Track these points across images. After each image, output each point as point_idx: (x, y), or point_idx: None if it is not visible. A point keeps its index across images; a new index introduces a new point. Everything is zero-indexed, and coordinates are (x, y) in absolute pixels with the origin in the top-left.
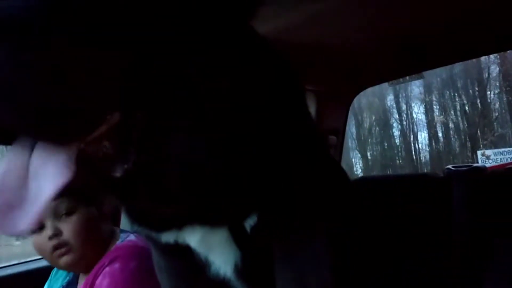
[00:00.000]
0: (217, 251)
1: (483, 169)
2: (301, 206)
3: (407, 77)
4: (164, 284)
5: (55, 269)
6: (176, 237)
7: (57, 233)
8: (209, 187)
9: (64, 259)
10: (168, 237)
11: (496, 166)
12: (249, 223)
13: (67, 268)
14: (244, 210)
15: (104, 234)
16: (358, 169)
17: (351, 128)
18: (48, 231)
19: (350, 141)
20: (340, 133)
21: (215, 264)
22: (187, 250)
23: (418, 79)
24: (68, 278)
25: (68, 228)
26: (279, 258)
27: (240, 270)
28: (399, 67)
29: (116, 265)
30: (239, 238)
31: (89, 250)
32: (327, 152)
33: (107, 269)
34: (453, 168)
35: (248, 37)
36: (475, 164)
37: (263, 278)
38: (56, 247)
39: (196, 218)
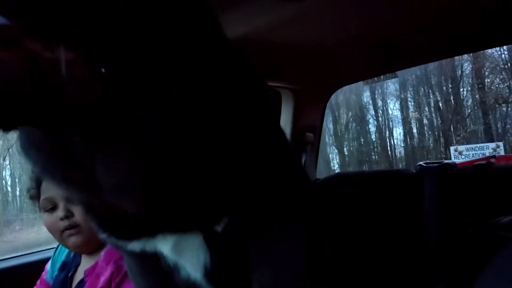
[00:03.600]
0: (187, 256)
1: (452, 165)
2: (273, 206)
3: (382, 77)
4: (137, 284)
5: (60, 246)
6: (145, 245)
7: (68, 215)
8: (179, 195)
9: (73, 240)
10: (134, 245)
11: (466, 162)
12: (220, 226)
13: (74, 248)
14: (215, 214)
15: None
16: (335, 164)
17: (328, 124)
18: (60, 212)
19: (327, 137)
20: (317, 130)
21: (185, 268)
22: (154, 255)
23: (392, 78)
24: (71, 255)
25: (79, 211)
26: (255, 256)
27: (210, 274)
28: (375, 66)
29: None
30: (211, 242)
31: (96, 233)
32: (290, 157)
33: None
34: (424, 165)
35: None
36: (445, 161)
37: (233, 281)
38: (66, 228)
39: (168, 226)
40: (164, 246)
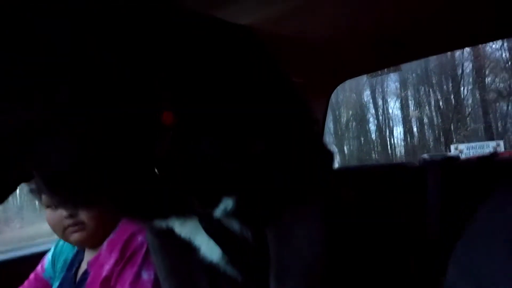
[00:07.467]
0: (201, 237)
1: (456, 158)
2: (292, 186)
3: (385, 70)
4: (158, 263)
5: (59, 241)
6: (164, 223)
7: (72, 214)
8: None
9: (76, 236)
10: (159, 223)
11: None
12: (223, 208)
13: (78, 244)
14: (212, 198)
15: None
16: (335, 164)
17: (328, 123)
18: (64, 212)
19: (328, 136)
20: (320, 125)
21: (202, 249)
22: (174, 233)
23: (395, 71)
24: (73, 253)
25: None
26: (275, 239)
27: (227, 255)
28: (378, 59)
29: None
30: (209, 227)
31: (101, 229)
32: (314, 134)
33: None
34: (428, 158)
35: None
36: (449, 154)
37: (252, 262)
38: (70, 225)
39: (168, 209)
40: (175, 223)
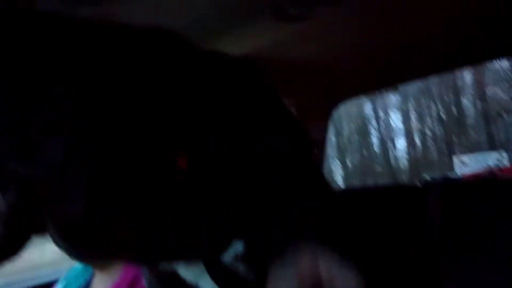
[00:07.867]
0: (204, 280)
1: (457, 180)
2: (291, 221)
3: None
4: None
5: (71, 271)
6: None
7: None
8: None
9: None
10: (164, 266)
11: (470, 174)
12: (232, 253)
13: None
14: (223, 242)
15: None
16: (338, 177)
17: (330, 137)
18: None
19: (330, 150)
20: (321, 145)
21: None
22: (175, 273)
23: (393, 91)
24: (84, 283)
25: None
26: (276, 277)
27: None
28: (377, 81)
29: None
30: (214, 271)
31: None
32: (312, 163)
33: None
34: (429, 179)
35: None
36: (450, 175)
37: None
38: None
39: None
40: (180, 268)
